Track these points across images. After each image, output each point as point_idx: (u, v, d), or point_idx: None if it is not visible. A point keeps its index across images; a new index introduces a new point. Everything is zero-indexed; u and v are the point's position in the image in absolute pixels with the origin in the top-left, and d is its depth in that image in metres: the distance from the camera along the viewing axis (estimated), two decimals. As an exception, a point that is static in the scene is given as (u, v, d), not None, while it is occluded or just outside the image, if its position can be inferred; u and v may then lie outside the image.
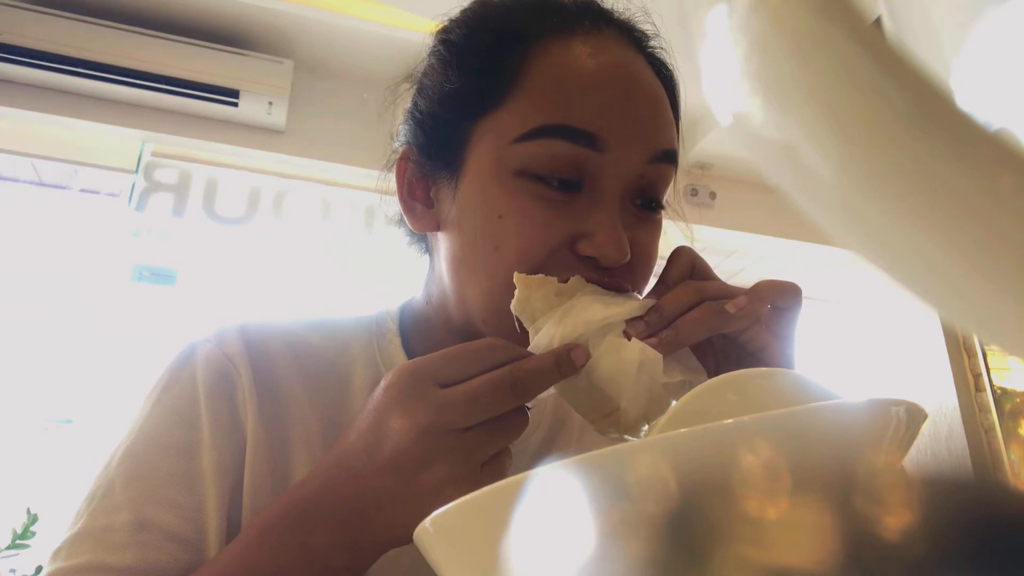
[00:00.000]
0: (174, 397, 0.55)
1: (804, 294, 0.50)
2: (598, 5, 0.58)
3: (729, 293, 0.48)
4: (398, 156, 0.60)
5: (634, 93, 0.52)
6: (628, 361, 0.45)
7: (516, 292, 0.47)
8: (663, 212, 0.58)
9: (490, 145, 0.52)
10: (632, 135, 0.51)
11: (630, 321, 0.47)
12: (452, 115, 0.55)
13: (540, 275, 0.48)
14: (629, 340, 0.47)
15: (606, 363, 0.46)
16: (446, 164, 0.56)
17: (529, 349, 0.46)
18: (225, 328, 0.59)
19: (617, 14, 0.58)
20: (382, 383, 0.44)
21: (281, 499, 0.45)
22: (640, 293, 0.54)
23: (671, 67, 0.59)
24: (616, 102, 0.51)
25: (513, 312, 0.48)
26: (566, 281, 0.49)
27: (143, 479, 0.51)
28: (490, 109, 0.53)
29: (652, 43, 0.59)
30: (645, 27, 0.58)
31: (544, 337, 0.46)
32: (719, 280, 0.51)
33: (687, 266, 0.51)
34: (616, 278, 0.52)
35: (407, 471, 0.41)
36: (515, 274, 0.48)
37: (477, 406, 0.41)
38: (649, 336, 0.47)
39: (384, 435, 0.42)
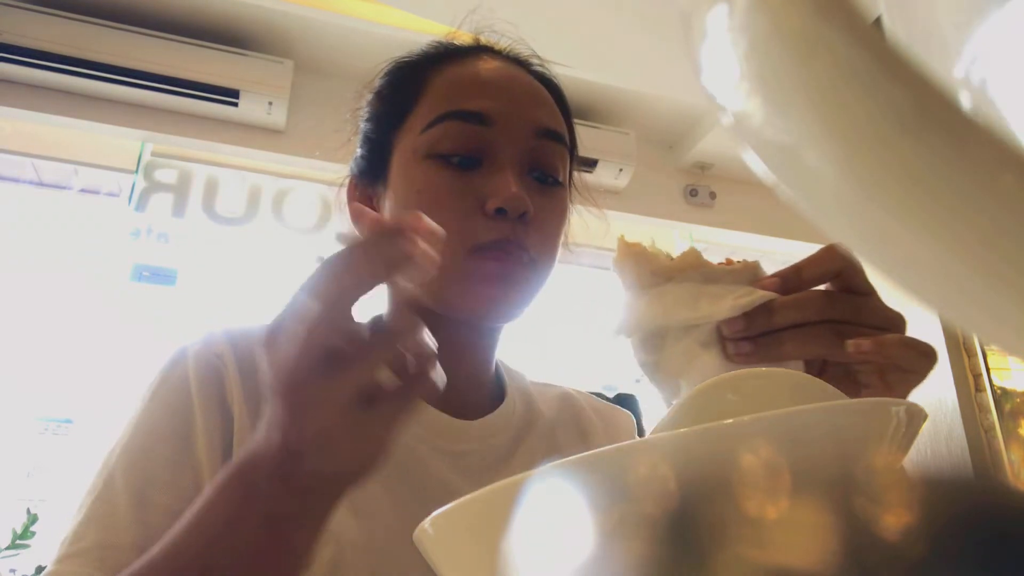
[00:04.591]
0: (167, 392, 0.58)
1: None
2: (486, 45, 0.71)
3: (861, 319, 0.44)
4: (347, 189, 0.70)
5: (514, 83, 0.65)
6: (691, 372, 0.43)
7: (616, 253, 0.46)
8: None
9: (406, 142, 0.63)
10: (514, 112, 0.62)
11: (729, 320, 0.43)
12: (379, 133, 0.67)
13: (640, 247, 0.46)
14: (719, 338, 0.44)
15: (675, 364, 0.44)
16: (380, 174, 0.66)
17: (614, 328, 0.46)
18: (212, 332, 0.63)
19: (501, 48, 0.71)
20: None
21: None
22: (541, 261, 0.60)
23: (555, 80, 0.72)
24: (498, 89, 0.63)
25: (614, 267, 0.47)
26: (671, 258, 0.46)
27: (141, 467, 0.53)
28: (405, 118, 0.64)
29: (534, 62, 0.72)
30: (526, 53, 0.72)
31: (628, 316, 0.45)
32: (865, 296, 0.46)
33: (834, 267, 0.46)
34: (519, 235, 0.58)
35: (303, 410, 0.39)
36: (619, 237, 0.47)
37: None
38: (745, 337, 0.44)
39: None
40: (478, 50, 0.69)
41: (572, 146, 0.72)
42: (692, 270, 0.45)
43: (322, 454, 0.39)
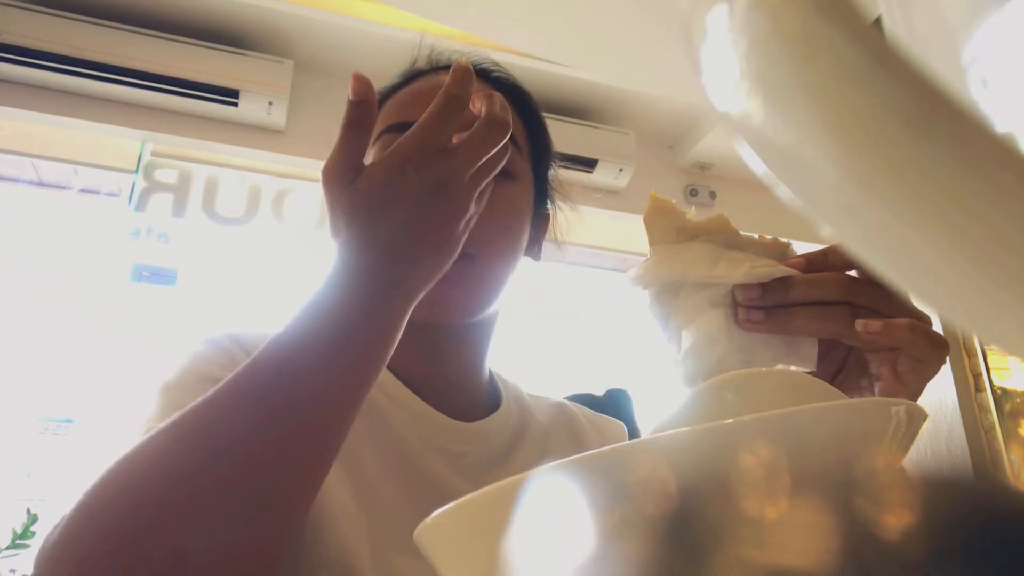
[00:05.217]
0: (204, 358, 0.58)
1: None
2: (443, 65, 0.74)
3: (881, 308, 0.44)
4: None
5: None
6: (696, 331, 0.43)
7: (647, 208, 0.47)
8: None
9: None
10: None
11: (745, 285, 0.44)
12: None
13: (671, 204, 0.47)
14: (732, 302, 0.44)
15: (682, 317, 0.44)
16: None
17: (632, 277, 0.47)
18: (241, 330, 0.65)
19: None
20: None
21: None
22: (484, 255, 0.62)
23: (517, 83, 0.76)
24: (429, 99, 0.64)
25: (643, 222, 0.48)
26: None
27: (186, 395, 0.51)
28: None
29: (494, 69, 0.75)
30: (486, 64, 0.75)
31: (646, 267, 0.46)
32: (891, 289, 0.46)
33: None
34: None
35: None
36: (651, 193, 0.48)
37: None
38: (759, 307, 0.44)
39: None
40: (433, 70, 0.73)
41: (539, 143, 0.74)
42: (717, 233, 0.46)
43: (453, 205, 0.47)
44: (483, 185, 0.50)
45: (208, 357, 0.58)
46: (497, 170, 0.51)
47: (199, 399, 0.43)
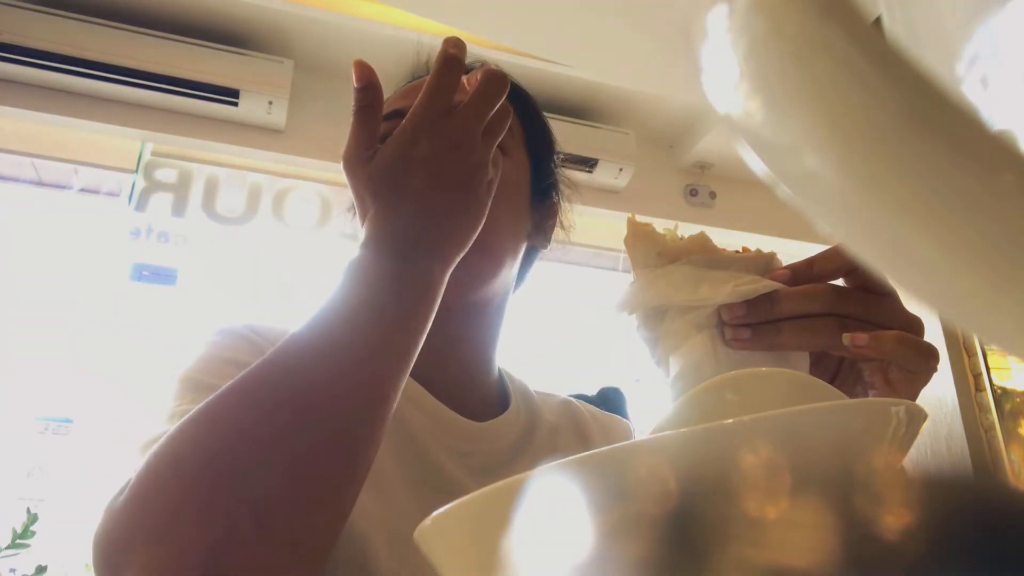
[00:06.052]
0: (223, 345, 0.59)
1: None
2: None
3: (870, 317, 0.44)
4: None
5: None
6: (683, 357, 0.43)
7: (626, 232, 0.48)
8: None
9: None
10: None
11: (730, 305, 0.44)
12: None
13: (650, 227, 0.47)
14: (718, 322, 0.44)
15: (670, 342, 0.44)
16: None
17: (617, 304, 0.47)
18: (261, 322, 0.65)
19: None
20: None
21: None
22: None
23: (519, 86, 0.75)
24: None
25: (624, 246, 0.48)
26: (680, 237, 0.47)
27: (210, 385, 0.52)
28: None
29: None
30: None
31: (630, 293, 0.46)
32: (879, 295, 0.45)
33: (847, 263, 0.46)
34: None
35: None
36: (629, 217, 0.49)
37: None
38: (746, 323, 0.44)
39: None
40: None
41: (535, 131, 0.74)
42: (699, 253, 0.45)
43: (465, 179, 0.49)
44: (495, 145, 0.51)
45: (226, 344, 0.59)
46: (507, 126, 0.52)
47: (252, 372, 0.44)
